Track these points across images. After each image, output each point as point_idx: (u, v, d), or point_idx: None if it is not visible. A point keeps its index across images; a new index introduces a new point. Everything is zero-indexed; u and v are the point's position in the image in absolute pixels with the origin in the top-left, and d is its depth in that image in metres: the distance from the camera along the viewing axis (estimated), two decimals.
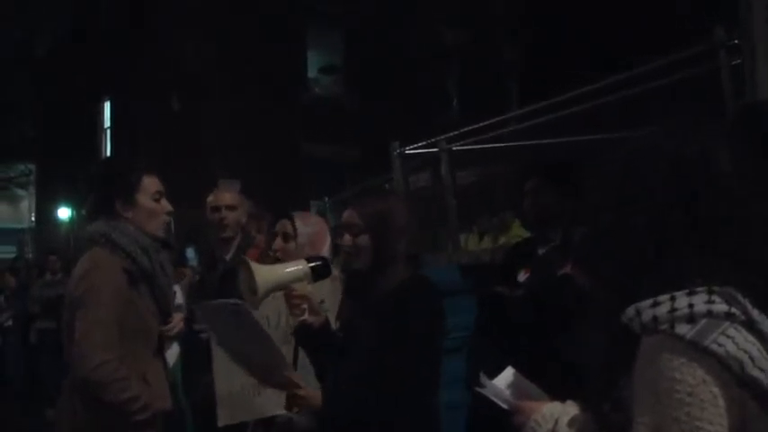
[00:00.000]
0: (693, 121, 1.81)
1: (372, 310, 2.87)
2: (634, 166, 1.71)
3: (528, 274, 4.19)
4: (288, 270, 2.98)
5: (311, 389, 2.84)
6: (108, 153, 24.35)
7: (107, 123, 24.41)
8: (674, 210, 1.61)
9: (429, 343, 2.85)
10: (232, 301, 2.86)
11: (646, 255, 1.62)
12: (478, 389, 2.20)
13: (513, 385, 2.19)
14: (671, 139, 1.73)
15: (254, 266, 2.87)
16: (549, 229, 4.18)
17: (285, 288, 2.96)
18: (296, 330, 3.07)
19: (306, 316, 2.96)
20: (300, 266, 2.96)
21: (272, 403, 3.34)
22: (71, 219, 22.84)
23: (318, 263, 2.99)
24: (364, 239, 2.93)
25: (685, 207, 1.61)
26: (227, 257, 4.75)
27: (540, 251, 4.21)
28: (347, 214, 3.04)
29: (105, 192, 3.71)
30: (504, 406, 2.11)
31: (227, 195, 4.94)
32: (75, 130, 23.35)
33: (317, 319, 2.98)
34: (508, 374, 2.23)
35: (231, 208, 4.80)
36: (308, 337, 3.03)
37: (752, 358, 1.47)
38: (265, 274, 2.88)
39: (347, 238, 2.98)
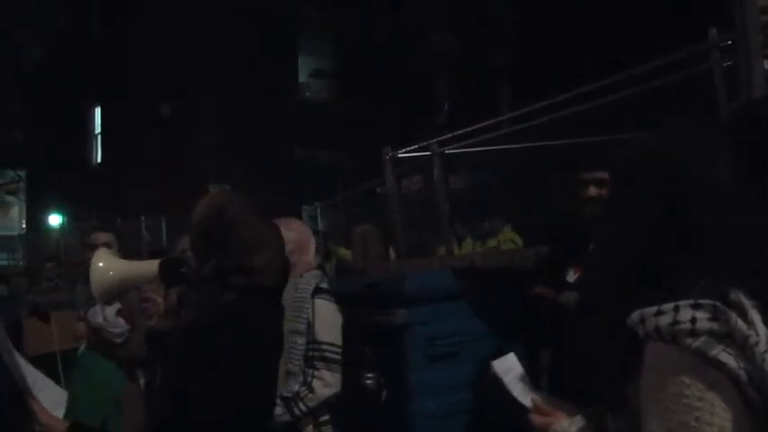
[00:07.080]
0: (688, 128, 1.80)
1: (178, 335, 2.41)
2: (631, 176, 1.71)
3: (579, 274, 3.73)
4: (134, 266, 2.65)
5: (53, 417, 2.38)
6: (98, 159, 24.34)
7: (98, 129, 24.40)
8: (672, 217, 1.60)
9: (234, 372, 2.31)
10: None
11: (645, 262, 1.60)
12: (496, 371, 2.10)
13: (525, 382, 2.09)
14: (668, 146, 1.72)
15: (105, 256, 2.60)
16: None
17: (132, 286, 2.71)
18: (146, 334, 2.93)
19: (154, 321, 2.84)
20: (150, 265, 2.60)
21: None
22: (62, 225, 22.74)
23: (168, 264, 2.58)
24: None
25: (682, 215, 1.59)
26: None
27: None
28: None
29: None
30: (527, 403, 2.01)
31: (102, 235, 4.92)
32: (65, 137, 23.30)
33: (166, 326, 2.73)
34: (517, 369, 2.13)
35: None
36: (154, 343, 2.83)
37: (750, 377, 1.44)
38: (112, 265, 2.57)
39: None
